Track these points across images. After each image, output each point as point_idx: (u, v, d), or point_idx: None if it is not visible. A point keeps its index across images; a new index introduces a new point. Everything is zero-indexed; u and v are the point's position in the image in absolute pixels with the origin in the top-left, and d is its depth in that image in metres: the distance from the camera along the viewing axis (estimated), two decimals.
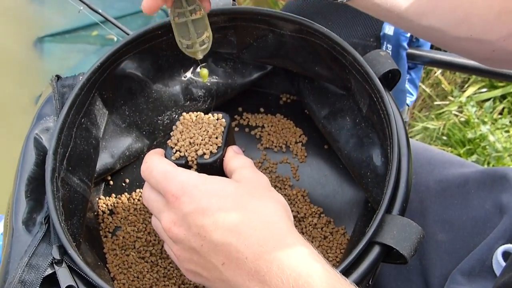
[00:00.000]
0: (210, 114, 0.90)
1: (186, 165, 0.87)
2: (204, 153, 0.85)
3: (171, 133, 0.90)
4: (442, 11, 0.95)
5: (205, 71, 0.92)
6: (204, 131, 0.88)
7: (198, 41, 0.89)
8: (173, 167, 0.79)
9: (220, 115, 0.90)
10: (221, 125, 0.89)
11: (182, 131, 0.89)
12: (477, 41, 0.97)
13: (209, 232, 0.72)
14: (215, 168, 0.85)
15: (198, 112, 0.92)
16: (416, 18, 0.96)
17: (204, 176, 0.76)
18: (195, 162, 0.86)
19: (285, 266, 0.68)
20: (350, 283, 0.71)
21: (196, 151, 0.86)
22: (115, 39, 2.30)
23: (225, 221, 0.71)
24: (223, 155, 0.86)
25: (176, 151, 0.87)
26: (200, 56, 0.91)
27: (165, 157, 0.87)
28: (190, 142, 0.87)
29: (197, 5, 0.87)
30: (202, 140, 0.87)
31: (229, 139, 0.89)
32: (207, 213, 0.72)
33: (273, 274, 0.68)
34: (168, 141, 0.88)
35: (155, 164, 0.80)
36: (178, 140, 0.88)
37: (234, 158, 0.85)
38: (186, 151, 0.87)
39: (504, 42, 0.96)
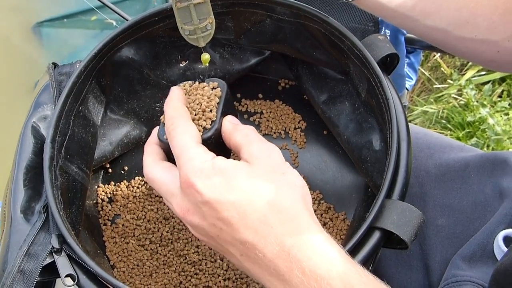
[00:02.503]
0: (205, 83, 0.86)
1: None
2: (198, 130, 0.81)
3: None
4: (448, 11, 0.95)
5: (206, 56, 0.90)
6: (197, 104, 0.83)
7: (200, 27, 0.87)
8: (192, 141, 0.75)
9: (216, 83, 0.86)
10: (215, 95, 0.84)
11: None
12: (481, 42, 0.97)
13: (225, 225, 0.70)
14: (210, 143, 0.81)
15: (195, 82, 0.87)
16: (421, 18, 0.96)
17: (217, 163, 0.72)
18: None
19: (305, 267, 0.66)
20: (373, 277, 0.69)
21: None
22: (114, 24, 2.29)
23: (240, 217, 0.69)
24: (218, 129, 0.82)
25: None
26: (202, 43, 0.89)
27: (158, 134, 0.84)
28: None
29: None
30: (195, 115, 0.82)
31: (227, 109, 0.85)
32: (222, 206, 0.70)
33: (293, 275, 0.67)
34: (162, 117, 0.84)
35: (180, 132, 0.76)
36: None
37: (235, 131, 0.80)
38: None
39: (509, 43, 0.95)
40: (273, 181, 0.72)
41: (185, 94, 0.86)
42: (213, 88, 0.85)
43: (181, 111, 0.80)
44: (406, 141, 0.87)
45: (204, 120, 0.82)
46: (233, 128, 0.81)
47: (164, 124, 0.83)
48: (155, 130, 0.85)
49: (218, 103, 0.84)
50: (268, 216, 0.69)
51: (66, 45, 2.72)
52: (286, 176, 0.74)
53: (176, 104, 0.81)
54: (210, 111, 0.82)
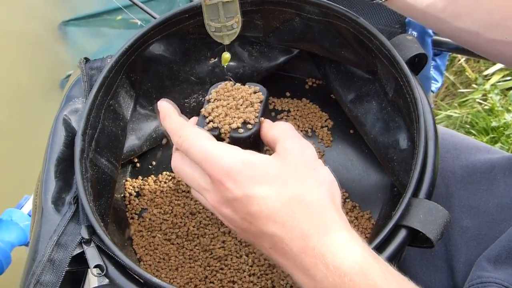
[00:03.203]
0: (247, 86, 0.88)
1: (219, 137, 0.83)
2: (239, 127, 0.82)
3: (205, 98, 0.87)
4: (478, 13, 0.95)
5: (227, 55, 0.92)
6: (240, 104, 0.85)
7: (227, 25, 0.88)
8: (213, 144, 0.75)
9: (257, 88, 0.87)
10: (258, 98, 0.86)
11: (217, 99, 0.86)
12: None
13: (255, 219, 0.72)
14: (248, 142, 0.83)
15: (236, 84, 0.88)
16: (452, 20, 0.96)
17: (247, 157, 0.73)
18: (227, 135, 0.83)
19: (329, 263, 0.67)
20: (397, 273, 0.69)
21: (230, 124, 0.83)
22: (139, 23, 2.30)
23: (269, 211, 0.70)
24: (257, 130, 0.83)
25: (210, 121, 0.84)
26: (227, 41, 0.90)
27: (197, 125, 0.84)
28: (225, 113, 0.84)
29: None
30: (237, 113, 0.84)
31: (265, 114, 0.87)
32: (252, 201, 0.71)
33: (317, 270, 0.68)
34: (202, 110, 0.85)
35: (192, 139, 0.76)
36: (212, 110, 0.85)
37: (274, 126, 0.82)
38: (220, 122, 0.83)
39: None
40: (303, 176, 0.73)
41: (227, 92, 0.87)
42: (255, 92, 0.87)
43: (181, 122, 0.81)
44: (433, 140, 0.87)
45: (246, 119, 0.83)
46: (272, 124, 0.82)
47: (204, 116, 0.85)
48: (193, 120, 0.86)
49: (259, 106, 0.85)
50: (295, 210, 0.70)
51: (91, 44, 2.74)
52: (316, 172, 0.75)
53: (173, 118, 0.82)
54: (251, 112, 0.84)
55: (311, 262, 0.68)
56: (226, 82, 0.88)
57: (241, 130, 0.82)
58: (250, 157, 0.73)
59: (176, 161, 0.81)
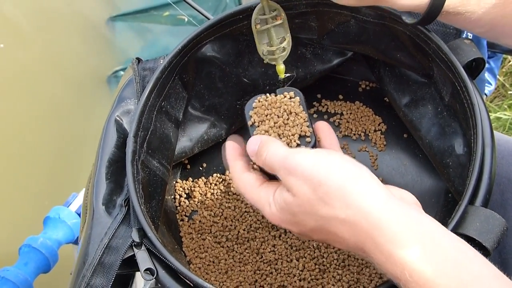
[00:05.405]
0: (281, 95, 0.86)
1: None
2: (298, 144, 0.81)
3: (248, 123, 0.86)
4: None
5: (282, 67, 0.90)
6: (286, 118, 0.83)
7: (280, 47, 0.87)
8: (249, 189, 0.77)
9: (292, 93, 0.86)
10: (296, 104, 0.84)
11: (261, 121, 0.84)
12: None
13: (308, 237, 0.73)
14: None
15: (267, 95, 0.86)
16: (493, 39, 0.95)
17: (278, 201, 0.73)
18: None
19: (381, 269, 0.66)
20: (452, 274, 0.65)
21: (288, 144, 0.81)
22: (186, 19, 2.31)
23: (314, 236, 0.72)
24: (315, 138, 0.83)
25: None
26: (280, 61, 0.89)
27: None
28: (277, 134, 0.83)
29: (278, 10, 0.86)
30: (288, 129, 0.83)
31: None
32: (297, 225, 0.72)
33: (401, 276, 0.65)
34: (254, 133, 0.84)
35: (236, 181, 0.79)
36: (264, 134, 0.83)
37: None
38: None
39: None
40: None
41: (266, 107, 0.85)
42: (291, 98, 0.85)
43: (231, 163, 0.82)
44: (490, 147, 0.85)
45: (302, 135, 0.82)
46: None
47: None
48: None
49: (306, 115, 0.84)
50: (329, 240, 0.71)
51: (138, 40, 2.75)
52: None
53: (228, 157, 0.83)
54: (302, 125, 0.83)
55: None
56: (258, 97, 0.86)
57: (302, 147, 0.81)
58: (280, 202, 0.73)
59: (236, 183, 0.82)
